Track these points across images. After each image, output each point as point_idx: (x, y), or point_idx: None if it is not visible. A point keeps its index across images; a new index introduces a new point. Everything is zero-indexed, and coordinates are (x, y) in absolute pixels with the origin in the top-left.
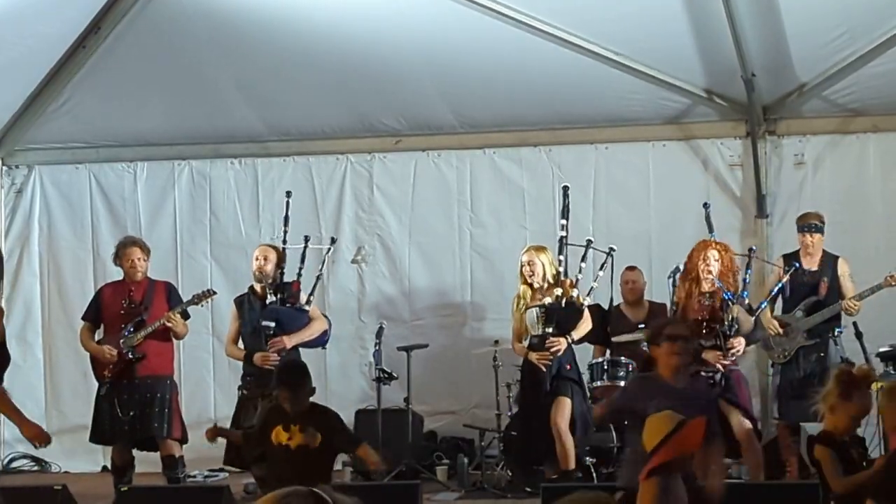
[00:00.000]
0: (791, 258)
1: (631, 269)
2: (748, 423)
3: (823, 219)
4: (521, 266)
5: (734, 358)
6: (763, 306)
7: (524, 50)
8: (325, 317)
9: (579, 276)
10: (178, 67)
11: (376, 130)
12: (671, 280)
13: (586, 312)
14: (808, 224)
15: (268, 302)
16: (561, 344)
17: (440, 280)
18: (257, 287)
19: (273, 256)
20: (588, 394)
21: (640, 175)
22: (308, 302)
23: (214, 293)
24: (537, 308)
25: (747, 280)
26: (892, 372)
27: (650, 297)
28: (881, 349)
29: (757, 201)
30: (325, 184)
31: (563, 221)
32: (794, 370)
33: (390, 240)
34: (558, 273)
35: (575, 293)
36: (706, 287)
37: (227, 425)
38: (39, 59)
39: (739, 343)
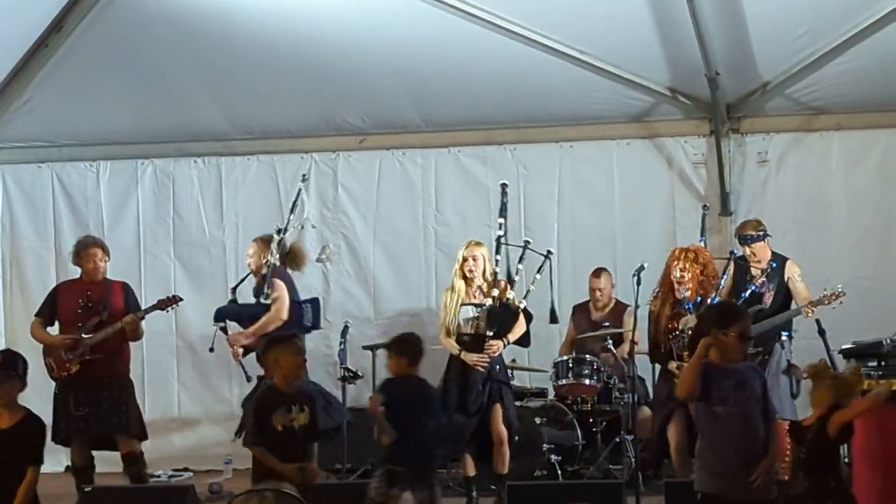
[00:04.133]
0: (740, 259)
1: (597, 275)
2: None
3: (762, 224)
4: (462, 261)
5: None
6: None
7: (489, 49)
8: (315, 302)
9: (515, 278)
10: (142, 66)
11: (341, 129)
12: (636, 278)
13: (521, 315)
14: (746, 236)
15: (228, 299)
16: (500, 347)
17: (405, 279)
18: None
19: (251, 250)
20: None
21: (605, 173)
22: (266, 295)
23: (180, 299)
24: (473, 307)
25: (721, 285)
26: None
27: (615, 296)
28: (843, 346)
29: (721, 199)
30: (289, 183)
31: (501, 220)
32: None
33: (355, 239)
34: (495, 273)
35: (511, 295)
36: (678, 295)
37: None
38: (1, 59)
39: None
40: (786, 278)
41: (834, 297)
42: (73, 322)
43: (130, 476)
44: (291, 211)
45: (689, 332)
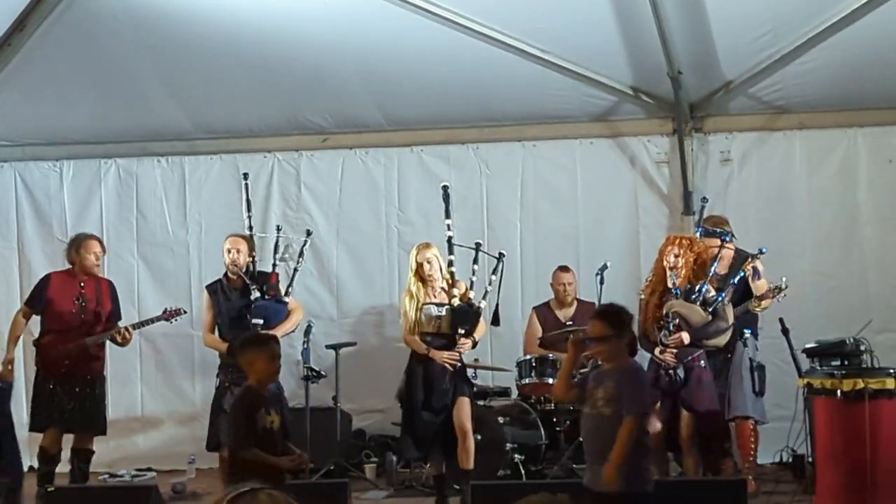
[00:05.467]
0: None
1: (564, 270)
2: (687, 432)
3: (724, 223)
4: (418, 266)
5: (674, 352)
6: (721, 298)
7: (451, 47)
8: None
9: (473, 279)
10: (104, 65)
11: (303, 128)
12: (598, 277)
13: (482, 315)
14: (703, 229)
15: (253, 297)
16: (470, 346)
17: (368, 278)
18: (232, 277)
19: (244, 247)
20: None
21: (568, 172)
22: (287, 294)
23: (184, 312)
24: (436, 307)
25: (710, 272)
26: (818, 368)
27: (578, 295)
28: (807, 345)
29: (683, 198)
30: (252, 182)
31: (449, 221)
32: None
33: (318, 238)
34: (452, 273)
35: (471, 295)
36: (669, 283)
37: (207, 412)
38: None
39: (678, 339)
40: (747, 273)
41: (778, 291)
42: (66, 317)
43: (78, 471)
44: (248, 209)
45: (672, 316)
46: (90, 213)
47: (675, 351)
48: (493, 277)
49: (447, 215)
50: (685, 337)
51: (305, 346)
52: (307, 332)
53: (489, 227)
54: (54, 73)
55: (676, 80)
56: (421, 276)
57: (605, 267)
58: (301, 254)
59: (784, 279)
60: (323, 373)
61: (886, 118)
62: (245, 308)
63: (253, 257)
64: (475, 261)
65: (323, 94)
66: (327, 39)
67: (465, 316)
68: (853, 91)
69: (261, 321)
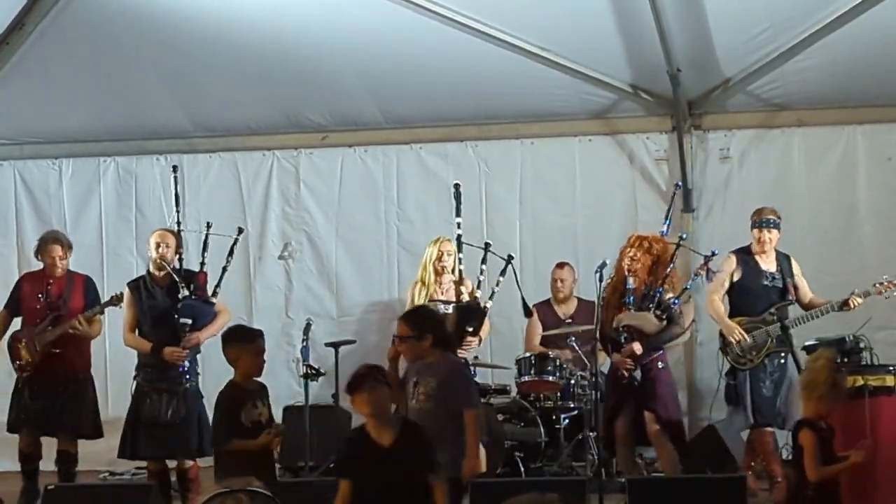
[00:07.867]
0: (742, 254)
1: (560, 266)
2: (655, 427)
3: (779, 215)
4: (435, 256)
5: (630, 362)
6: (677, 303)
7: (449, 45)
8: None
9: (480, 278)
10: (103, 64)
11: (302, 126)
12: (598, 275)
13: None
14: (766, 220)
15: (181, 296)
16: (476, 344)
17: (367, 276)
18: (157, 273)
19: (172, 241)
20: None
21: (566, 170)
22: (214, 294)
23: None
24: (442, 304)
25: (666, 273)
26: None
27: (576, 292)
28: (807, 342)
29: (683, 196)
30: (251, 180)
31: (459, 220)
32: (763, 373)
33: (317, 236)
34: (460, 271)
35: (478, 294)
36: (628, 285)
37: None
38: None
39: (630, 350)
40: (794, 273)
41: (892, 286)
42: (33, 317)
43: (61, 474)
44: (177, 203)
45: (623, 329)
46: (89, 212)
47: (630, 361)
48: (501, 279)
49: (457, 213)
50: (637, 348)
51: (305, 343)
52: (306, 330)
53: (488, 224)
54: (53, 72)
55: (675, 78)
56: (436, 267)
57: (603, 265)
58: (231, 252)
59: (885, 277)
60: (322, 370)
61: (885, 115)
62: (172, 307)
63: (180, 254)
64: (483, 261)
65: (321, 92)
66: (326, 37)
67: (472, 314)
68: (852, 88)
69: (189, 321)
